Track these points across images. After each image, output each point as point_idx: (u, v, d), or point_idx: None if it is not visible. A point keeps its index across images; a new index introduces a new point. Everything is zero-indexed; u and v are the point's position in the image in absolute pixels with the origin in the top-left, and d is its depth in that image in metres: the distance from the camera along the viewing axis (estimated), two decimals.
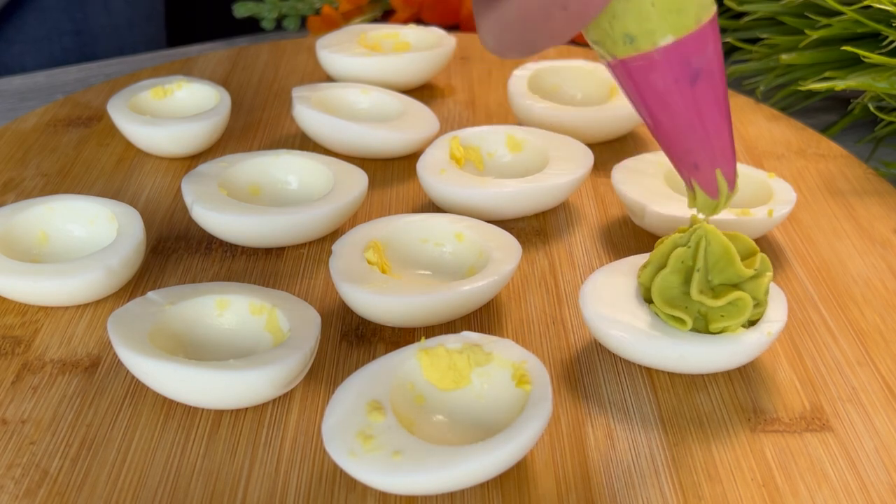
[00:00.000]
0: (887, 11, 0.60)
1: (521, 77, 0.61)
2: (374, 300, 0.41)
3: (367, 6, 0.83)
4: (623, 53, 0.34)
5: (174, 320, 0.41)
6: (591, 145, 0.57)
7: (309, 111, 0.56)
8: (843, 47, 0.60)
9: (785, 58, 0.64)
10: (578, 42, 0.80)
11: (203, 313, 0.41)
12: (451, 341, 0.38)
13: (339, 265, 0.43)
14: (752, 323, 0.40)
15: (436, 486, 0.33)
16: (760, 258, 0.40)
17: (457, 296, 0.42)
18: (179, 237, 0.50)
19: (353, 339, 0.43)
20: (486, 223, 0.47)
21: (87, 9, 0.78)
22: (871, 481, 0.36)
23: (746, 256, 0.40)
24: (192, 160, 0.57)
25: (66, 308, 0.45)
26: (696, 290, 0.39)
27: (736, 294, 0.39)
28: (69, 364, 0.42)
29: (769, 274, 0.40)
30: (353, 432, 0.34)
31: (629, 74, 0.34)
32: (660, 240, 0.42)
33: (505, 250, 0.45)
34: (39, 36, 0.77)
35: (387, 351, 0.42)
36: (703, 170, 0.37)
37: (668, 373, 0.41)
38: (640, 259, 0.43)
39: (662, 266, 0.40)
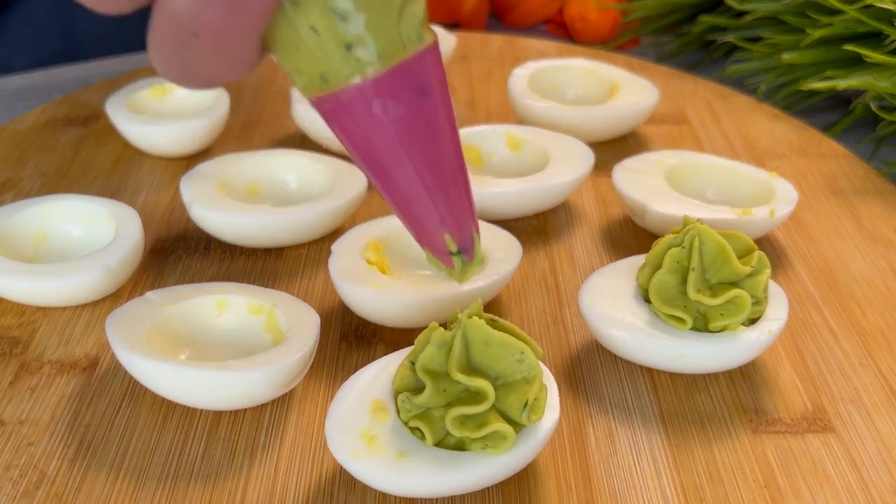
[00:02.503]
0: (889, 10, 0.60)
1: (521, 76, 0.61)
2: (373, 300, 0.41)
3: None
4: (309, 93, 0.29)
5: (173, 320, 0.41)
6: (591, 145, 0.57)
7: (309, 111, 0.56)
8: (845, 46, 0.60)
9: (786, 57, 0.64)
10: (578, 41, 0.80)
11: (202, 314, 0.41)
12: None
13: (338, 265, 0.43)
14: (752, 321, 0.40)
15: (441, 488, 0.33)
16: (758, 256, 0.40)
17: (457, 296, 0.41)
18: (178, 237, 0.50)
19: (352, 340, 0.43)
20: (486, 223, 0.47)
21: (75, 11, 0.77)
22: (873, 482, 0.36)
23: (744, 254, 0.40)
24: (191, 160, 0.57)
25: (65, 308, 0.45)
26: (693, 289, 0.39)
27: (734, 292, 0.39)
28: (67, 364, 0.42)
29: (767, 271, 0.40)
30: (356, 433, 0.34)
31: (324, 117, 0.29)
32: (656, 241, 0.42)
33: (505, 250, 0.45)
34: (26, 38, 0.77)
35: (387, 351, 0.42)
36: (428, 234, 0.32)
37: (669, 373, 0.41)
38: (640, 259, 0.43)
39: (658, 267, 0.40)
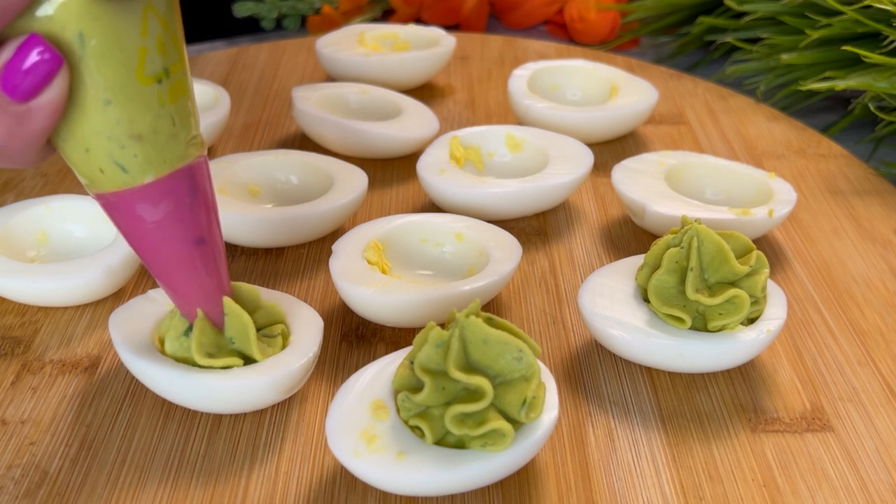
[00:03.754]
0: (888, 11, 0.60)
1: (521, 77, 0.61)
2: (374, 300, 0.41)
3: (367, 6, 0.83)
4: (90, 190, 0.34)
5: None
6: (591, 145, 0.57)
7: (309, 111, 0.56)
8: (844, 47, 0.60)
9: (785, 58, 0.64)
10: (578, 42, 0.81)
11: None
12: None
13: (339, 265, 0.43)
14: (751, 321, 0.40)
15: (442, 486, 0.33)
16: (756, 255, 0.40)
17: (457, 296, 0.41)
18: None
19: (353, 340, 0.43)
20: (486, 223, 0.47)
21: None
22: (871, 481, 0.36)
23: (742, 254, 0.40)
24: None
25: (66, 308, 0.45)
26: (691, 289, 0.39)
27: (733, 292, 0.39)
28: (69, 364, 0.42)
29: (766, 271, 0.40)
30: (356, 432, 0.34)
31: (101, 207, 0.34)
32: (655, 241, 0.42)
33: (505, 250, 0.45)
34: None
35: (387, 351, 0.42)
36: (180, 306, 0.37)
37: (669, 372, 0.41)
38: (639, 259, 0.43)
39: (657, 267, 0.40)
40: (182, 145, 0.33)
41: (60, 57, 0.30)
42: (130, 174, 0.33)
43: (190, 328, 0.37)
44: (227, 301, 0.37)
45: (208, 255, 0.36)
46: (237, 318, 0.37)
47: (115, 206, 0.34)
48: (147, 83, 0.32)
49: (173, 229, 0.34)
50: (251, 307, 0.38)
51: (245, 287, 0.39)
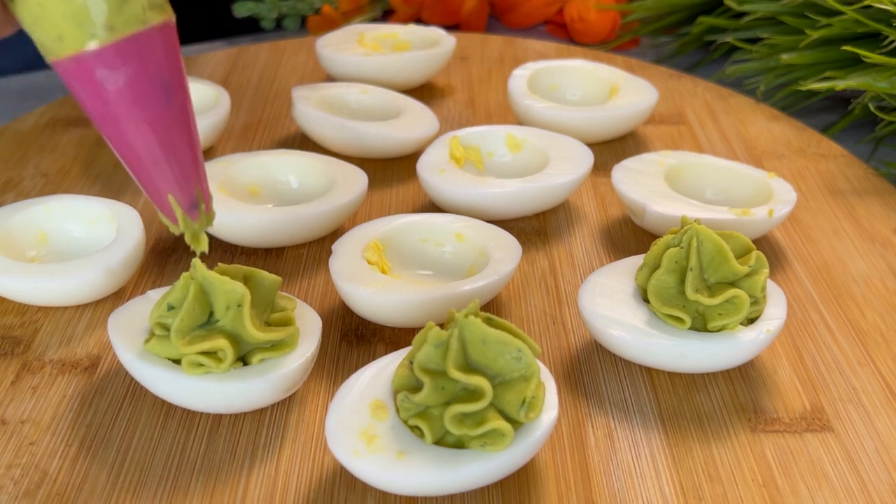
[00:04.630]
0: (888, 11, 0.60)
1: (520, 77, 0.61)
2: (374, 300, 0.41)
3: (367, 6, 0.83)
4: (47, 57, 0.33)
5: None
6: (591, 145, 0.57)
7: (309, 111, 0.56)
8: (844, 47, 0.60)
9: (785, 58, 0.64)
10: (578, 42, 0.81)
11: None
12: None
13: (338, 265, 0.43)
14: (751, 321, 0.40)
15: (441, 486, 0.33)
16: (756, 255, 0.40)
17: (457, 296, 0.41)
18: (179, 237, 0.50)
19: (353, 340, 0.43)
20: (486, 223, 0.47)
21: None
22: (871, 481, 0.36)
23: (742, 254, 0.40)
24: None
25: (66, 308, 0.45)
26: (691, 289, 0.39)
27: (732, 292, 0.39)
28: (69, 364, 0.42)
29: (765, 271, 0.40)
30: (356, 432, 0.34)
31: (62, 77, 0.33)
32: (654, 241, 0.42)
33: (505, 250, 0.45)
34: (12, 38, 0.77)
35: (387, 351, 0.42)
36: (151, 193, 0.35)
37: (668, 373, 0.41)
38: (639, 259, 0.43)
39: (657, 267, 0.40)
40: (141, 6, 0.32)
41: None
42: (86, 35, 0.32)
43: (171, 307, 0.37)
44: (218, 268, 0.37)
45: (181, 126, 0.34)
46: (222, 286, 0.36)
47: (73, 73, 0.32)
48: None
49: (139, 94, 0.33)
50: (264, 294, 0.38)
51: (268, 275, 0.38)
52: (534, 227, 0.51)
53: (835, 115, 0.68)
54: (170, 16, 0.33)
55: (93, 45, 0.32)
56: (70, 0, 0.31)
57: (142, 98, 0.33)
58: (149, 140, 0.33)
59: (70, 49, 0.32)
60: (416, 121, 0.57)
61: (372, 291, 0.41)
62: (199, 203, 0.35)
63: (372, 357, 0.42)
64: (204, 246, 0.36)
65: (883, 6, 0.58)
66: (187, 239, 0.36)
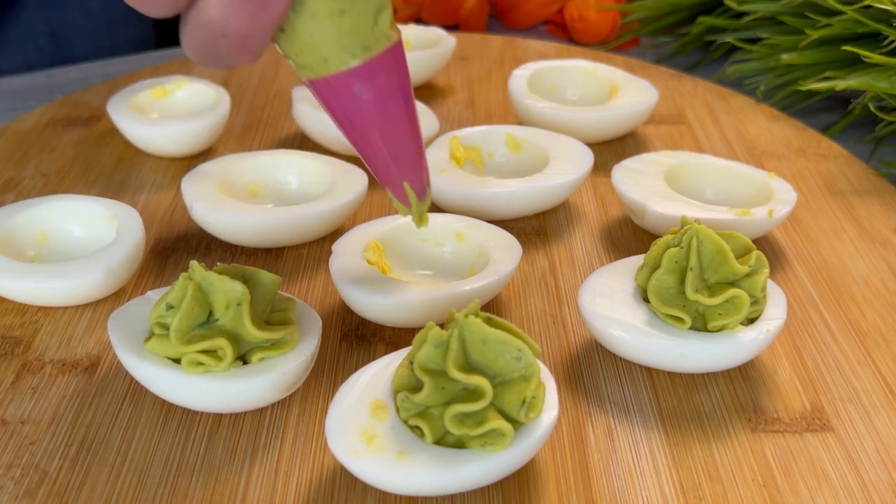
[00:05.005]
0: (888, 11, 0.60)
1: (521, 77, 0.61)
2: (374, 300, 0.41)
3: None
4: (303, 76, 0.37)
5: None
6: (591, 145, 0.57)
7: (309, 111, 0.56)
8: (844, 47, 0.60)
9: (785, 58, 0.64)
10: (578, 42, 0.81)
11: None
12: None
13: (339, 265, 0.43)
14: (751, 321, 0.40)
15: (441, 486, 0.33)
16: (756, 255, 0.40)
17: (457, 296, 0.41)
18: (179, 237, 0.50)
19: (353, 340, 0.43)
20: (486, 223, 0.47)
21: (63, 10, 0.77)
22: (871, 481, 0.36)
23: (742, 254, 0.40)
24: (192, 160, 0.57)
25: (66, 308, 0.45)
26: (691, 289, 0.39)
27: (732, 292, 0.39)
28: (69, 364, 0.42)
29: (765, 271, 0.40)
30: (356, 432, 0.34)
31: (315, 93, 0.37)
32: (654, 241, 0.42)
33: (505, 250, 0.45)
34: (12, 37, 0.77)
35: (387, 351, 0.42)
36: (388, 183, 0.40)
37: (669, 372, 0.41)
38: (639, 259, 0.43)
39: (657, 267, 0.40)
40: (386, 27, 0.36)
41: None
42: (348, 56, 0.36)
43: (170, 307, 0.37)
44: (217, 268, 0.38)
45: (414, 125, 0.39)
46: (221, 286, 0.37)
47: (332, 88, 0.36)
48: None
49: (385, 102, 0.37)
50: (264, 294, 0.38)
51: (267, 274, 0.39)
52: (534, 227, 0.51)
53: (835, 115, 0.68)
54: (399, 31, 0.38)
55: (354, 64, 0.36)
56: (337, 27, 0.35)
57: (389, 104, 0.37)
58: (392, 139, 0.38)
59: (332, 69, 0.36)
60: None
61: (372, 292, 0.41)
62: (426, 188, 0.40)
63: (372, 357, 0.42)
64: (427, 222, 0.42)
65: (883, 6, 0.58)
66: (414, 219, 0.41)
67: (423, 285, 0.42)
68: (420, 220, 0.41)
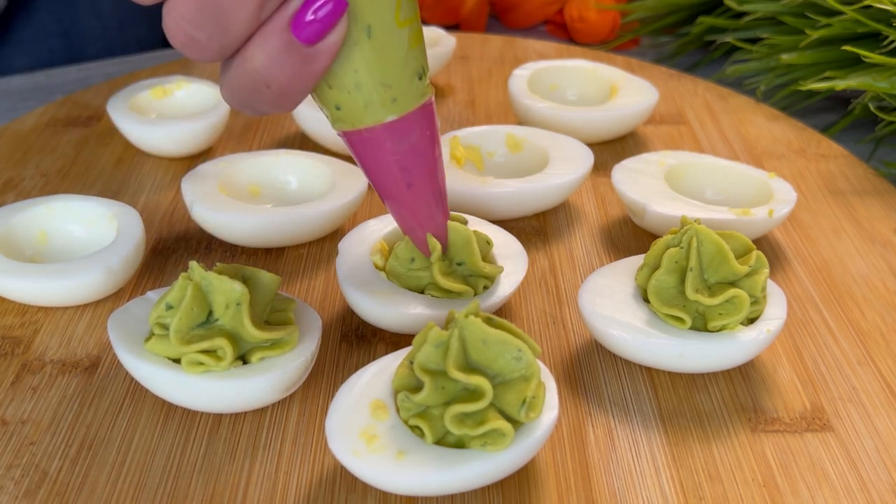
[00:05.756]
0: (888, 11, 0.60)
1: (521, 77, 0.61)
2: (381, 311, 0.41)
3: None
4: (338, 128, 0.37)
5: None
6: (591, 145, 0.57)
7: (309, 111, 0.56)
8: (844, 47, 0.60)
9: (785, 58, 0.64)
10: (578, 42, 0.81)
11: None
12: None
13: (345, 268, 0.43)
14: (751, 321, 0.40)
15: (441, 486, 0.33)
16: (756, 255, 0.40)
17: (464, 305, 0.41)
18: (179, 237, 0.50)
19: (353, 340, 0.43)
20: (486, 223, 0.47)
21: (75, 10, 0.78)
22: (871, 481, 0.36)
23: (742, 254, 0.40)
24: (192, 160, 0.57)
25: (66, 308, 0.45)
26: (691, 289, 0.39)
27: (732, 292, 0.39)
28: (69, 364, 0.42)
29: (765, 271, 0.40)
30: (356, 432, 0.34)
31: (348, 144, 0.38)
32: (654, 241, 0.42)
33: (509, 259, 0.44)
34: (25, 37, 0.77)
35: (387, 351, 0.42)
36: (409, 232, 0.40)
37: (669, 372, 0.41)
38: (639, 259, 0.43)
39: (657, 267, 0.40)
40: (424, 83, 0.37)
41: (345, 1, 0.33)
42: (385, 110, 0.36)
43: (169, 307, 0.37)
44: (217, 268, 0.38)
45: (441, 181, 0.39)
46: (221, 286, 0.37)
47: (366, 140, 0.37)
48: (402, 27, 0.35)
49: (416, 156, 0.37)
50: (264, 294, 0.38)
51: (267, 274, 0.39)
52: (534, 227, 0.51)
53: (835, 115, 0.68)
54: (433, 88, 0.38)
55: (391, 118, 0.36)
56: (377, 90, 0.35)
57: (420, 157, 0.38)
58: (419, 192, 0.39)
59: (369, 123, 0.36)
60: None
61: (380, 301, 0.41)
62: (446, 237, 0.41)
63: (372, 357, 0.42)
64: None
65: (883, 6, 0.58)
66: (433, 268, 0.41)
67: (429, 299, 0.42)
68: (438, 273, 0.41)
